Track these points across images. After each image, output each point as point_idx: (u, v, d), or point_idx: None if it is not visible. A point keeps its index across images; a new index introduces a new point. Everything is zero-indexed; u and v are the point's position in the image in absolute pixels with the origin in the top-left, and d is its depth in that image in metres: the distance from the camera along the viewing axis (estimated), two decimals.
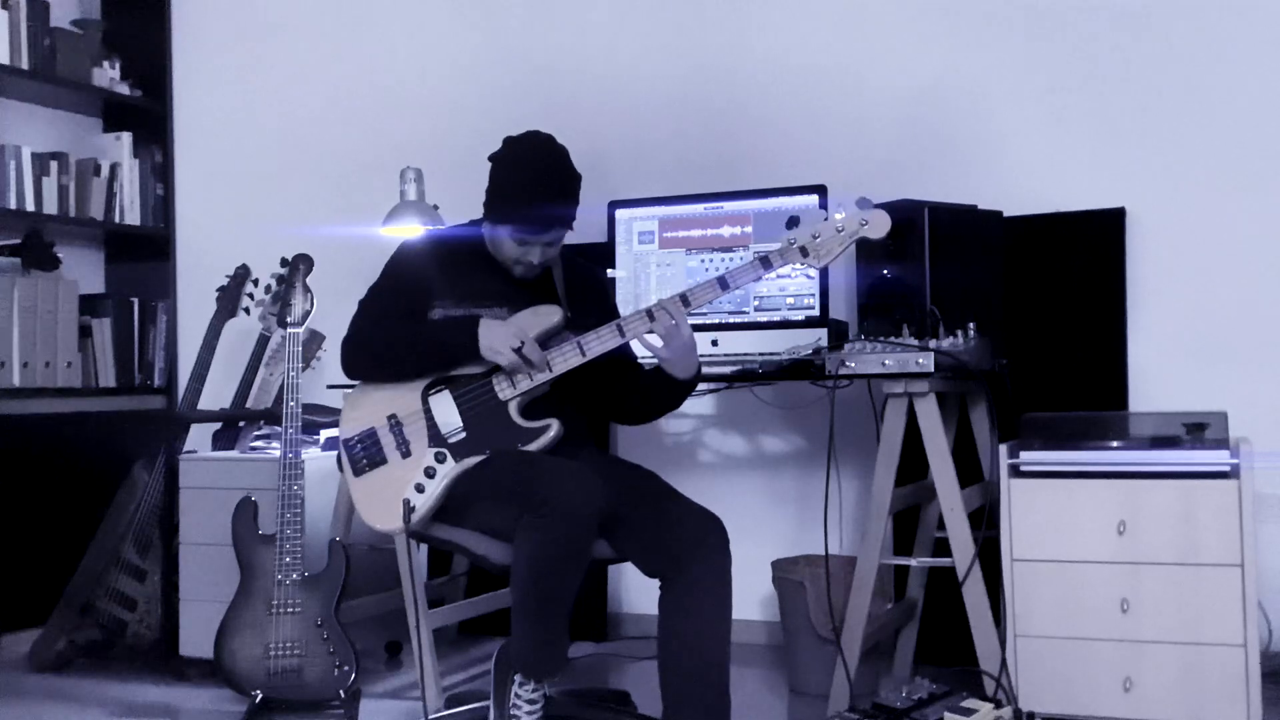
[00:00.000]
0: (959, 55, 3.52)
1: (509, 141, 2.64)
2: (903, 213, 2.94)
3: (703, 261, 3.39)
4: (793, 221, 2.57)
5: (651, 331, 2.55)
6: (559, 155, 2.62)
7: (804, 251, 2.55)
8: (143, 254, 4.43)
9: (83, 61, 4.20)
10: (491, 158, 2.64)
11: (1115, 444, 2.75)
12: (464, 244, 2.71)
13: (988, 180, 3.39)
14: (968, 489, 2.89)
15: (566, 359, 2.57)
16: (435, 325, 2.61)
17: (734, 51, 3.78)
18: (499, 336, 2.53)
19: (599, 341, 2.57)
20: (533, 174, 2.58)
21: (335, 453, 2.68)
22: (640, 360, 2.77)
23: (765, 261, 2.56)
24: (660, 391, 2.65)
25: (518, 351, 2.51)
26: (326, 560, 3.06)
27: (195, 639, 3.34)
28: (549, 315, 2.59)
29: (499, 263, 2.68)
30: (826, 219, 2.56)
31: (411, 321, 2.63)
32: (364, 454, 2.61)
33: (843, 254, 2.58)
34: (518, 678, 2.46)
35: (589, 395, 2.74)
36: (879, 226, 2.55)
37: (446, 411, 2.58)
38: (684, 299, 2.55)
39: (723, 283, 2.56)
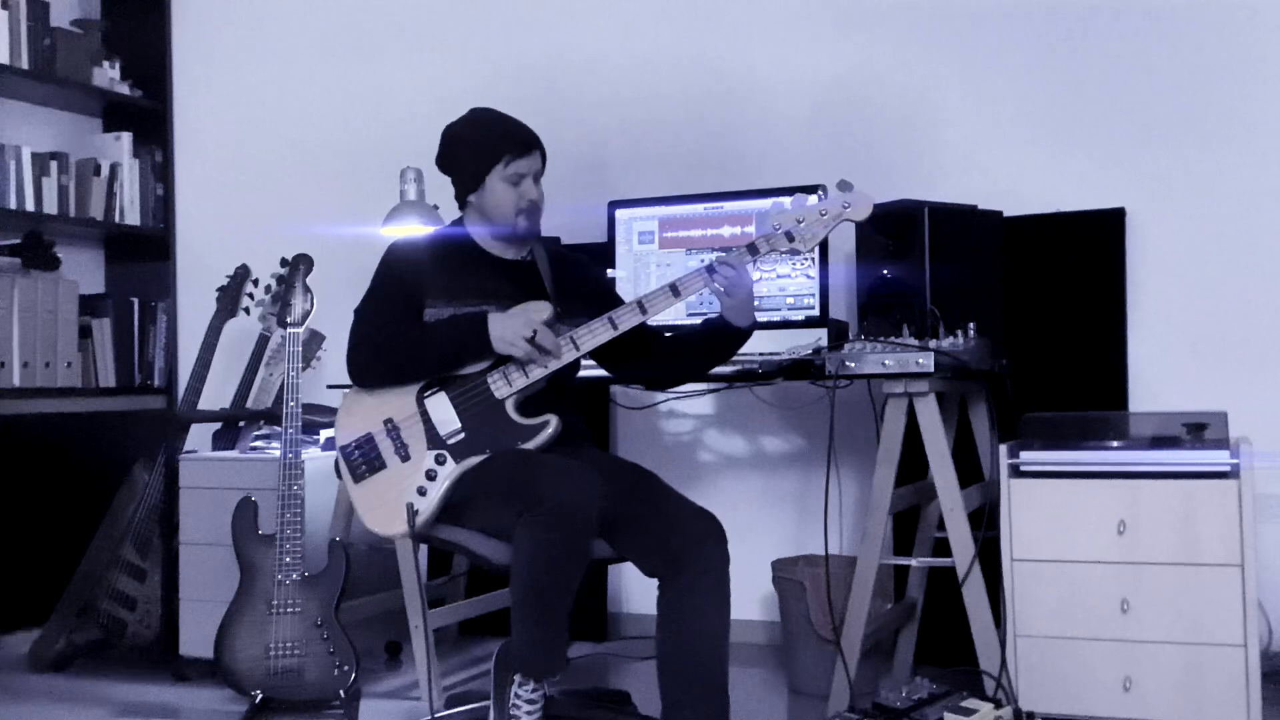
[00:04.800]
0: (960, 56, 3.52)
1: (451, 125, 2.72)
2: (903, 213, 2.95)
3: (702, 261, 3.38)
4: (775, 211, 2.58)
5: (642, 322, 2.59)
6: (495, 109, 2.74)
7: (789, 236, 2.55)
8: (143, 254, 4.43)
9: (83, 61, 4.20)
10: (445, 146, 2.71)
11: (1115, 444, 2.75)
12: (450, 243, 2.73)
13: (988, 180, 3.39)
14: (968, 489, 2.89)
15: (560, 352, 2.57)
16: (442, 324, 2.61)
17: (734, 52, 3.78)
18: (511, 328, 2.54)
19: (591, 336, 2.58)
20: (493, 115, 2.71)
21: (335, 453, 2.67)
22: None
23: (752, 249, 2.57)
24: (714, 343, 2.67)
25: (531, 340, 2.52)
26: (326, 560, 3.06)
27: (195, 639, 3.34)
28: (540, 311, 2.59)
29: (487, 260, 2.70)
30: (808, 204, 2.57)
31: (415, 323, 2.63)
32: (362, 460, 2.61)
33: (826, 236, 2.58)
34: (518, 678, 2.45)
35: (617, 365, 2.77)
36: (861, 209, 2.55)
37: (444, 413, 2.58)
38: (674, 289, 2.55)
39: (710, 270, 2.56)
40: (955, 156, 3.49)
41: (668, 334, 2.80)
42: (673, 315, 2.94)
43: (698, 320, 2.77)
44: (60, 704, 3.21)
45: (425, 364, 2.61)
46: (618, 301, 2.74)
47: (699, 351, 2.72)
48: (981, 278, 3.12)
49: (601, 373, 2.84)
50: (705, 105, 3.81)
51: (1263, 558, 2.94)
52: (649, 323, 2.64)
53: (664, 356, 2.75)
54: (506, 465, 2.49)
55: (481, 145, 2.65)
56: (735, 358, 3.15)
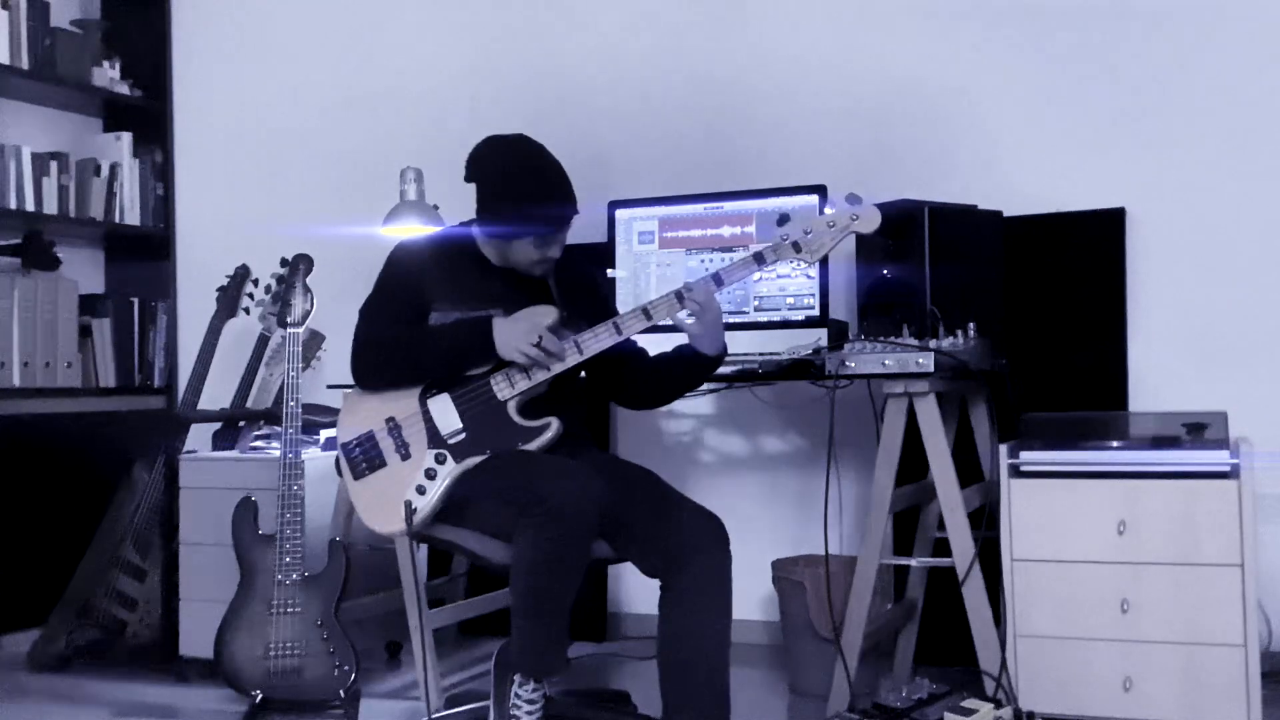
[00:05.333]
0: (960, 55, 3.52)
1: (489, 153, 2.63)
2: (903, 213, 2.95)
3: (703, 261, 3.39)
4: (783, 219, 2.60)
5: (647, 330, 2.58)
6: (544, 150, 2.64)
7: (796, 247, 2.57)
8: (143, 254, 4.42)
9: (83, 61, 4.19)
10: (479, 170, 2.62)
11: (1115, 444, 2.75)
12: (457, 246, 2.71)
13: (988, 180, 3.39)
14: (968, 489, 2.89)
15: (565, 357, 2.57)
16: (447, 328, 2.61)
17: (734, 51, 3.78)
18: (515, 334, 2.54)
19: (595, 340, 2.58)
20: (537, 175, 2.59)
21: (335, 453, 2.68)
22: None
23: (759, 258, 2.58)
24: (685, 369, 2.66)
25: (537, 346, 2.52)
26: (326, 560, 3.06)
27: (195, 639, 3.34)
28: (545, 315, 2.59)
29: (492, 265, 2.69)
30: (817, 215, 2.58)
31: (419, 326, 2.63)
32: (363, 457, 2.61)
33: (834, 248, 2.60)
34: (518, 678, 2.46)
35: (598, 384, 2.76)
36: (869, 221, 2.58)
37: (445, 413, 2.58)
38: (679, 296, 2.56)
39: (717, 279, 2.57)
40: (955, 156, 3.49)
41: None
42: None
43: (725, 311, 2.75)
44: (60, 704, 3.21)
45: (429, 367, 2.61)
46: (615, 308, 2.74)
47: (670, 377, 2.72)
48: (981, 278, 3.12)
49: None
50: (705, 105, 3.80)
51: (1263, 558, 2.94)
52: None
53: (642, 376, 2.74)
54: (507, 466, 2.49)
55: (516, 217, 2.58)
56: (735, 358, 3.17)
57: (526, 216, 2.57)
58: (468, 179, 2.65)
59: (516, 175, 2.59)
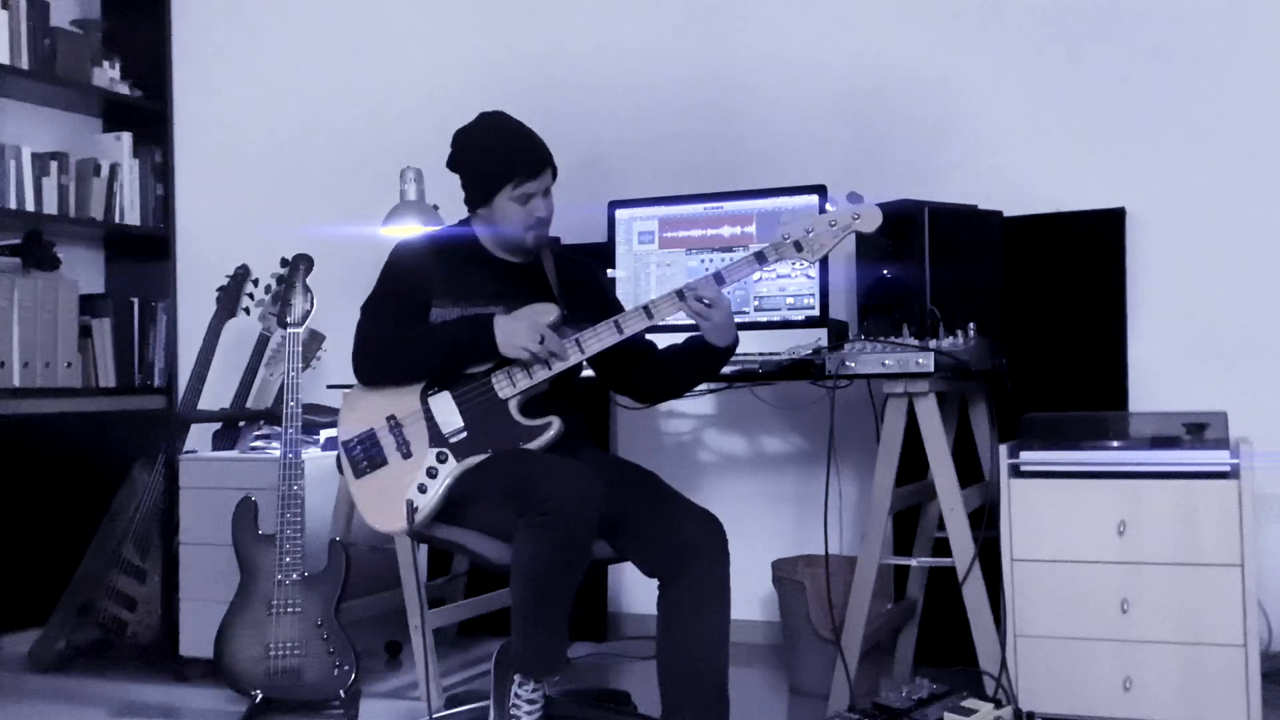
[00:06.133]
0: (960, 55, 3.52)
1: (462, 131, 2.69)
2: (903, 213, 2.95)
3: (703, 261, 3.39)
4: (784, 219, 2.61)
5: (650, 329, 2.58)
6: (508, 116, 2.70)
7: (798, 246, 2.57)
8: (143, 254, 4.43)
9: (83, 61, 4.20)
10: (455, 153, 2.68)
11: (1115, 444, 2.75)
12: (457, 244, 2.72)
13: (988, 180, 3.39)
14: (968, 489, 2.89)
15: (567, 355, 2.57)
16: (448, 325, 2.61)
17: (734, 51, 3.78)
18: (518, 333, 2.54)
19: (597, 339, 2.58)
20: (505, 129, 2.66)
21: (335, 453, 2.68)
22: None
23: (760, 257, 2.58)
24: (698, 360, 2.67)
25: (539, 343, 2.52)
26: (326, 560, 3.06)
27: (195, 639, 3.34)
28: (546, 313, 2.59)
29: (494, 262, 2.70)
30: (818, 214, 2.58)
31: (421, 324, 2.63)
32: (364, 455, 2.61)
33: (835, 247, 2.60)
34: (518, 678, 2.46)
35: (607, 377, 2.77)
36: (870, 220, 2.59)
37: (447, 411, 2.58)
38: (680, 295, 2.56)
39: (719, 278, 2.57)
40: (955, 156, 3.49)
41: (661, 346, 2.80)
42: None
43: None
44: (60, 704, 3.21)
45: (430, 364, 2.61)
46: (618, 304, 2.74)
47: (683, 368, 2.73)
48: (981, 278, 3.12)
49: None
50: (705, 105, 3.81)
51: (1263, 558, 2.95)
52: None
53: (654, 368, 2.75)
54: (507, 465, 2.49)
55: (490, 165, 2.62)
56: (736, 358, 3.16)
57: (503, 165, 2.60)
58: (451, 167, 2.70)
59: (481, 136, 2.66)
